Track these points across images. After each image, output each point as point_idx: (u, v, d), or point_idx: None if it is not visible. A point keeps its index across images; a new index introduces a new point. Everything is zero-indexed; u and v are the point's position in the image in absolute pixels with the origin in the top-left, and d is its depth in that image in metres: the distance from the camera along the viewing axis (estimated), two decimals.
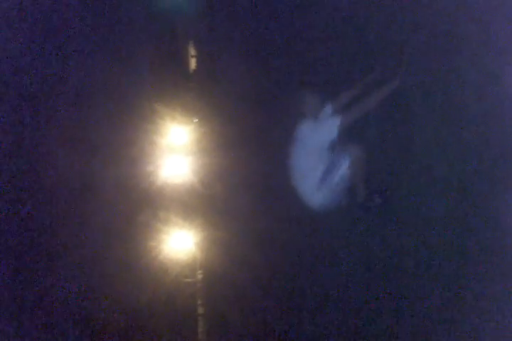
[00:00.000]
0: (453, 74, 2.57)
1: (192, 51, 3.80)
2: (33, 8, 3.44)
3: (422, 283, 2.71)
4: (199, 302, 3.51)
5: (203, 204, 3.46)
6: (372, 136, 2.99)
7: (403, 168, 2.88)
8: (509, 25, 2.26)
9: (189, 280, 3.48)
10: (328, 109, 2.86)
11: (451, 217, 2.59)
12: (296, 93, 3.13)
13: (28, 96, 3.48)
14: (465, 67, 2.49)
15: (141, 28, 3.71)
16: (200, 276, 3.48)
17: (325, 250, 3.22)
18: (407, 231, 2.78)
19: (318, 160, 2.81)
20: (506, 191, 2.35)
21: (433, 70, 2.64)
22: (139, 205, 3.41)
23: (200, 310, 3.51)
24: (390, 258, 2.85)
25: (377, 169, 2.99)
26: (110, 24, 3.66)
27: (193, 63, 3.78)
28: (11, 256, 3.38)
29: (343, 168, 2.77)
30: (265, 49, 3.57)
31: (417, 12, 2.67)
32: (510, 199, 2.35)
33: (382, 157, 2.99)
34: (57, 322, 3.42)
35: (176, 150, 3.47)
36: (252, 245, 3.29)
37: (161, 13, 3.71)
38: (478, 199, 2.49)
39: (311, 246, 3.25)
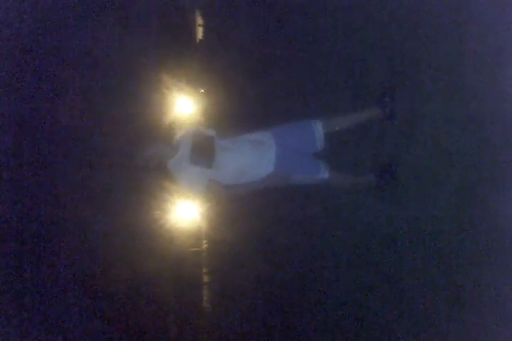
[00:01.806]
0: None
1: (199, 20, 3.76)
2: None
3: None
4: (204, 270, 3.57)
5: None
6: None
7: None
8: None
9: (194, 249, 3.54)
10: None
11: (460, 190, 2.57)
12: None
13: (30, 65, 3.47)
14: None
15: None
16: (205, 246, 3.54)
17: (330, 224, 3.23)
18: (413, 206, 2.78)
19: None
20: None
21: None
22: (145, 175, 3.43)
23: (205, 279, 3.58)
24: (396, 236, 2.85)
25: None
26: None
27: (200, 33, 3.74)
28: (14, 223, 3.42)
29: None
30: (272, 19, 3.50)
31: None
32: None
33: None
34: (65, 289, 3.50)
35: (182, 121, 3.46)
36: (257, 215, 3.32)
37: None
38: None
39: (315, 217, 3.27)
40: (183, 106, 3.46)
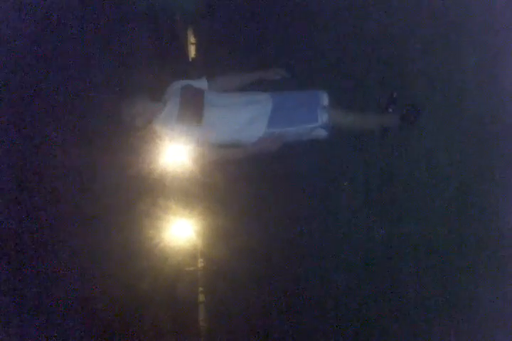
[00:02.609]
0: (453, 74, 2.55)
1: (191, 39, 3.77)
2: None
3: None
4: (200, 289, 3.51)
5: (203, 192, 3.45)
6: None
7: None
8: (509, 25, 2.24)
9: (190, 268, 3.48)
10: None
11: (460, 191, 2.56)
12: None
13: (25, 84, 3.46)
14: (465, 68, 2.48)
15: (140, 15, 3.67)
16: (200, 264, 3.49)
17: (327, 241, 3.22)
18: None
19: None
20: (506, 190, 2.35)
21: (433, 70, 2.62)
22: (138, 193, 3.40)
23: (201, 298, 3.52)
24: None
25: None
26: (109, 13, 3.62)
27: (192, 51, 3.75)
28: (10, 246, 3.37)
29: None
30: (263, 38, 3.54)
31: (416, 12, 2.65)
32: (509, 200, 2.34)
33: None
34: (57, 310, 3.43)
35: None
36: (252, 233, 3.29)
37: (161, 1, 3.68)
38: (478, 200, 2.48)
39: (313, 241, 3.26)
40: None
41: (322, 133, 2.56)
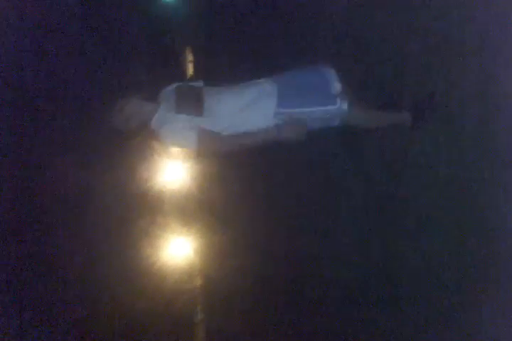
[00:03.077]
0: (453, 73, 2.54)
1: (190, 57, 3.81)
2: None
3: None
4: (198, 308, 3.49)
5: (201, 209, 3.45)
6: None
7: None
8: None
9: (188, 286, 3.47)
10: None
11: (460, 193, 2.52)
12: None
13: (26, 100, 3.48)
14: (465, 67, 2.47)
15: (138, 34, 3.71)
16: (198, 282, 3.47)
17: (329, 266, 3.20)
18: None
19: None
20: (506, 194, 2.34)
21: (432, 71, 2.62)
22: (136, 211, 3.40)
23: (200, 317, 3.49)
24: None
25: None
26: (108, 32, 3.66)
27: (190, 69, 3.79)
28: (10, 265, 3.36)
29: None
30: (262, 54, 3.57)
31: (416, 12, 2.65)
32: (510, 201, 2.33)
33: None
34: (56, 329, 3.40)
35: (173, 155, 3.46)
36: (251, 251, 3.28)
37: (159, 19, 3.73)
38: (478, 201, 2.47)
39: (312, 258, 3.24)
40: None
41: (335, 122, 2.34)
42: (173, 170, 3.47)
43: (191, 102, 2.15)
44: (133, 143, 2.26)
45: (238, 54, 3.45)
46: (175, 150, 2.23)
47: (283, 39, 3.39)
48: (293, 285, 3.32)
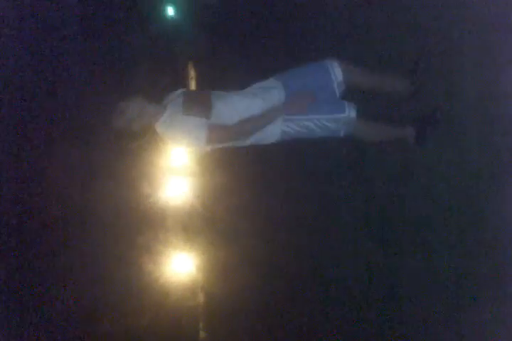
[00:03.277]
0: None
1: (192, 73, 3.83)
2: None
3: None
4: (201, 326, 3.45)
5: (203, 225, 3.44)
6: None
7: None
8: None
9: (190, 303, 3.43)
10: None
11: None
12: None
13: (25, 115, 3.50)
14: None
15: (141, 51, 3.74)
16: (201, 299, 3.44)
17: (328, 285, 3.17)
18: None
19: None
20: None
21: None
22: (138, 227, 3.38)
23: (202, 335, 3.45)
24: None
25: None
26: (109, 49, 3.69)
27: (192, 85, 3.81)
28: (10, 286, 3.35)
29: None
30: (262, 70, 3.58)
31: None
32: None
33: None
34: None
35: (176, 171, 3.46)
36: (254, 267, 3.25)
37: (161, 36, 3.76)
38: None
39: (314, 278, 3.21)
40: (178, 156, 3.46)
41: (341, 132, 2.32)
42: (175, 186, 3.47)
43: (199, 105, 2.12)
44: (135, 146, 2.14)
45: (242, 68, 3.46)
46: (180, 151, 2.17)
47: (286, 52, 3.41)
48: (297, 303, 3.28)
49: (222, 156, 3.35)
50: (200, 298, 3.42)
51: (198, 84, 3.79)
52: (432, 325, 2.60)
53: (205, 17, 3.70)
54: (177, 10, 3.78)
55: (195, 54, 3.79)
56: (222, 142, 2.17)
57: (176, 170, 3.43)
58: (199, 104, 2.11)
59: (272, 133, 2.23)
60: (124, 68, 3.68)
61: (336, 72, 2.32)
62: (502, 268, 2.23)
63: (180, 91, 2.23)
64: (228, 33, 3.67)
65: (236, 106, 2.16)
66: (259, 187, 3.26)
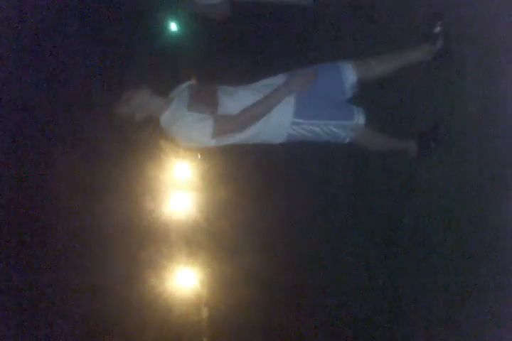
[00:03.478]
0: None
1: (193, 80, 3.84)
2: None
3: None
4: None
5: (207, 240, 3.43)
6: None
7: None
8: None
9: (194, 318, 3.42)
10: None
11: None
12: None
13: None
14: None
15: (143, 63, 3.76)
16: (205, 314, 3.42)
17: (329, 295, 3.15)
18: None
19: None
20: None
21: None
22: (141, 241, 3.38)
23: None
24: None
25: None
26: (111, 61, 3.71)
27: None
28: (12, 302, 3.33)
29: None
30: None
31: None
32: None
33: None
34: None
35: (179, 186, 3.46)
36: (257, 282, 3.24)
37: (164, 49, 3.78)
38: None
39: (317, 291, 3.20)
40: (181, 171, 3.46)
41: (347, 139, 2.28)
42: (178, 201, 3.47)
43: (205, 100, 2.07)
44: (137, 139, 2.09)
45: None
46: (183, 147, 2.13)
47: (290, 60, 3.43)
48: (301, 318, 3.26)
49: (226, 171, 3.37)
50: (204, 313, 3.41)
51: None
52: (431, 325, 2.59)
53: (208, 31, 3.72)
54: (180, 25, 3.80)
55: (200, 66, 3.80)
56: (228, 132, 2.07)
57: (179, 184, 3.44)
58: (206, 100, 2.06)
59: (278, 134, 2.19)
60: (127, 80, 3.69)
61: (348, 73, 2.28)
62: (502, 268, 2.22)
63: (187, 84, 2.19)
64: (233, 48, 3.70)
65: (243, 102, 2.09)
66: (263, 201, 3.26)
